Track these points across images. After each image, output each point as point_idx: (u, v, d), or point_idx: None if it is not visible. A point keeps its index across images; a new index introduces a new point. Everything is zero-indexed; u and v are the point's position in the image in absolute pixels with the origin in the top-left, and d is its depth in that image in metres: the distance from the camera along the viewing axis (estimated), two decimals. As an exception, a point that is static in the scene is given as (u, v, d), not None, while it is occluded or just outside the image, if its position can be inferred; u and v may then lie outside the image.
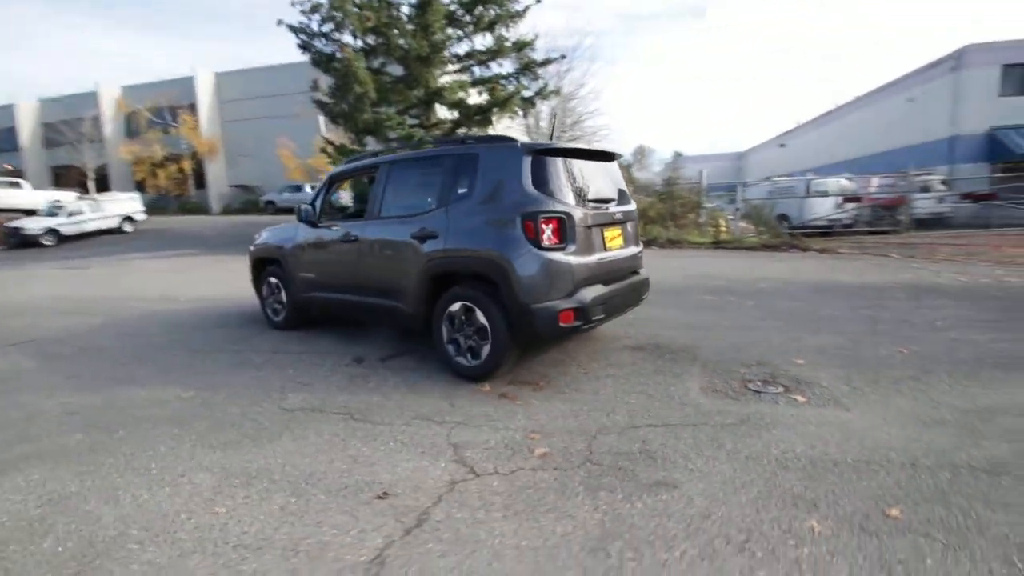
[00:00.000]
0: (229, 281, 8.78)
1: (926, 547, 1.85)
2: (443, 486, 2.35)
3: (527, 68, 18.10)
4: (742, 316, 5.41)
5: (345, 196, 9.85)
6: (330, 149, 17.93)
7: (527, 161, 3.55)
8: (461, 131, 18.50)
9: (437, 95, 17.45)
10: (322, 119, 30.93)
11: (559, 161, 3.64)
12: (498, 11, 17.45)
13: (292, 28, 17.09)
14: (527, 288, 3.40)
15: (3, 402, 3.62)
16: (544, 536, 1.98)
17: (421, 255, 3.88)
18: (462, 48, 18.21)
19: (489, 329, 3.59)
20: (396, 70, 18.22)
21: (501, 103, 16.73)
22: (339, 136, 18.49)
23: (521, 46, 17.94)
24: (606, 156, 4.22)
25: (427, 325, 3.98)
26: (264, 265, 5.51)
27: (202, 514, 2.16)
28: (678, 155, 57.23)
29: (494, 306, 3.55)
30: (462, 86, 17.55)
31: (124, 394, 3.67)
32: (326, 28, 17.37)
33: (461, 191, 3.78)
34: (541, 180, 3.54)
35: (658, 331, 4.82)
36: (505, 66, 18.61)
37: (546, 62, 18.12)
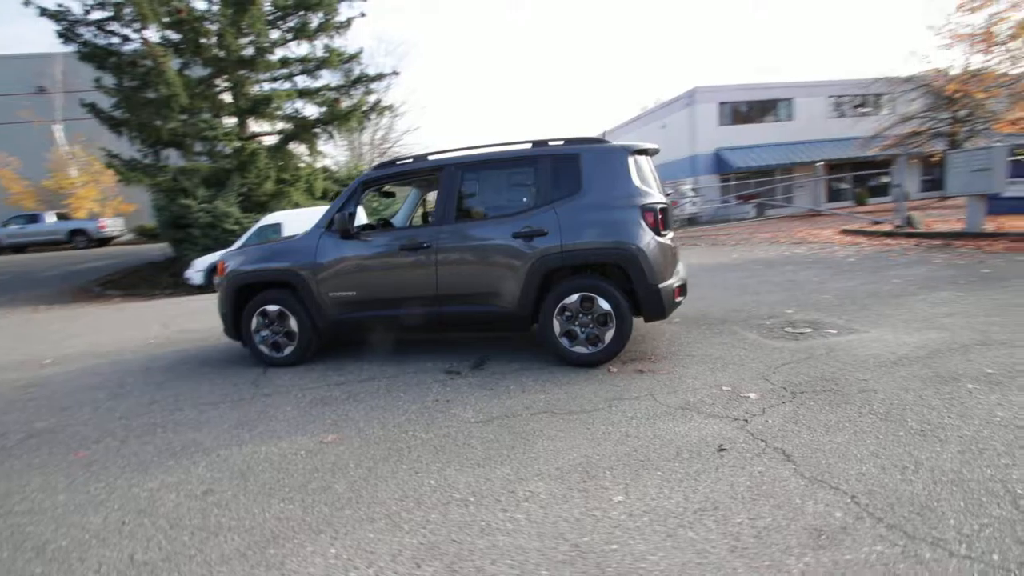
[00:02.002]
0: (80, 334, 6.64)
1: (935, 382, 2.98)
2: (735, 429, 2.65)
3: (359, 81, 17.54)
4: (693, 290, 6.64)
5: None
6: (117, 164, 14.41)
7: (632, 160, 3.97)
8: (292, 145, 16.92)
9: (262, 104, 15.63)
10: (59, 129, 24.30)
11: (644, 159, 4.14)
12: (323, 19, 16.55)
13: (48, 12, 13.31)
14: (655, 271, 3.82)
15: None
16: (832, 426, 2.51)
17: (527, 253, 3.93)
18: (285, 54, 16.68)
19: (613, 314, 3.87)
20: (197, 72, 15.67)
21: (342, 117, 15.87)
22: (113, 146, 14.96)
23: (349, 57, 17.33)
24: (654, 152, 4.80)
25: (528, 324, 4.05)
26: (251, 293, 4.56)
27: (606, 507, 2.06)
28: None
29: (618, 292, 3.86)
30: (289, 95, 16.08)
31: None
32: (98, 16, 14.00)
33: (566, 189, 3.97)
34: (642, 176, 4.00)
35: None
36: (330, 77, 17.68)
37: (379, 76, 17.83)
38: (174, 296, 12.64)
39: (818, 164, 21.90)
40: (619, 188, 3.92)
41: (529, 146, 4.17)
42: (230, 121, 16.08)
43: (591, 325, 3.92)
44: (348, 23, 17.18)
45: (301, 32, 16.34)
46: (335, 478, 2.48)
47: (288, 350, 4.53)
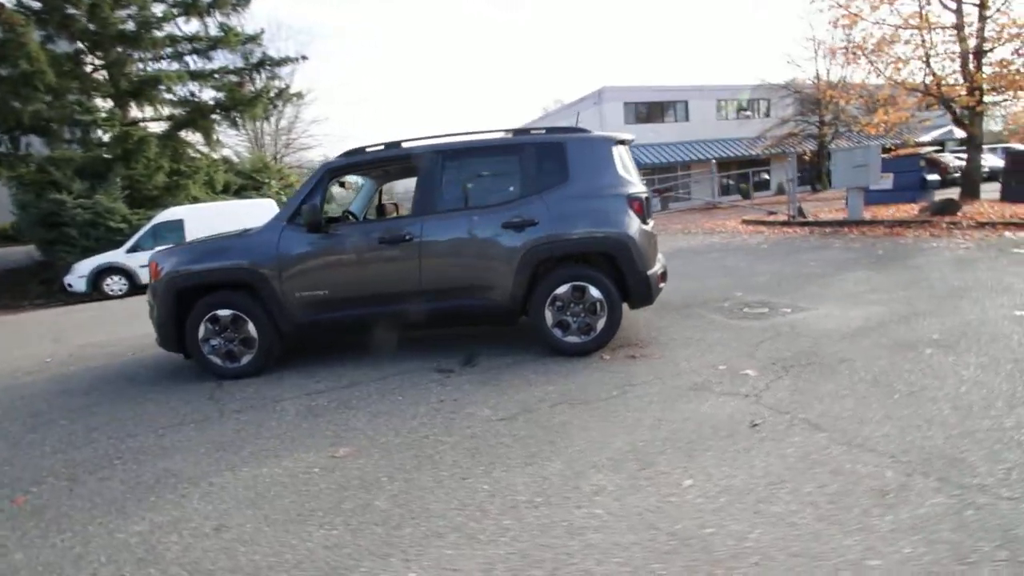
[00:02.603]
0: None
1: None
2: (751, 404, 2.78)
3: (262, 65, 16.18)
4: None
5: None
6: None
7: (617, 150, 4.00)
8: (183, 133, 15.17)
9: (148, 86, 13.85)
10: None
11: (624, 149, 4.20)
12: (216, -7, 15.02)
13: None
14: (644, 258, 3.90)
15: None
16: (836, 395, 2.74)
17: (517, 244, 3.83)
18: (172, 32, 14.90)
19: (605, 302, 3.90)
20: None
21: (247, 103, 14.51)
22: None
23: (248, 38, 15.93)
24: (630, 143, 4.86)
25: (517, 316, 3.97)
26: (197, 296, 3.99)
27: (680, 492, 2.04)
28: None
29: (608, 280, 3.89)
30: (180, 77, 14.40)
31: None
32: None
33: (552, 178, 3.91)
34: (624, 166, 4.06)
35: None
36: (226, 59, 16.13)
37: (285, 60, 16.58)
38: (48, 307, 10.82)
39: (712, 161, 23.90)
40: (605, 178, 3.94)
41: (508, 135, 4.06)
42: (105, 104, 14.06)
43: (582, 314, 3.92)
44: (245, 1, 15.73)
45: (192, 7, 14.69)
46: (371, 494, 2.23)
47: (246, 359, 4.02)
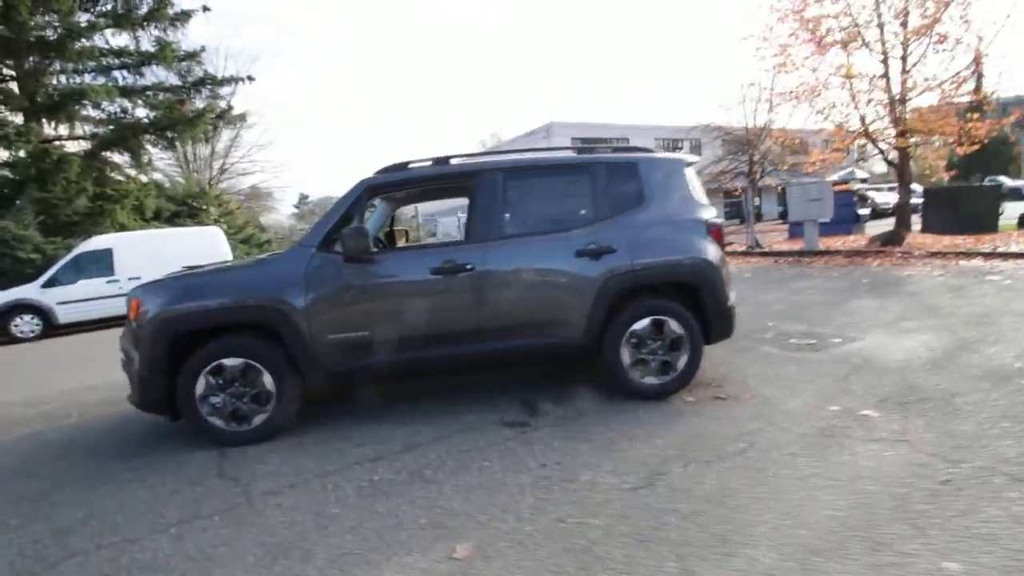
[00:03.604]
0: None
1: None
2: (911, 452, 2.44)
3: (202, 83, 15.01)
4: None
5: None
6: None
7: (690, 172, 3.68)
8: (110, 153, 13.57)
9: (71, 100, 12.30)
10: None
11: (693, 171, 3.89)
12: (152, 5, 13.87)
13: None
14: (726, 289, 3.56)
15: None
16: (988, 436, 2.49)
17: (594, 274, 3.36)
18: (98, 44, 13.49)
19: (687, 338, 3.50)
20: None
21: (186, 123, 13.22)
22: None
23: (188, 55, 14.77)
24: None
25: (591, 355, 3.48)
26: (195, 342, 3.16)
27: None
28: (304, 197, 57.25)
29: (690, 313, 3.50)
30: (108, 92, 12.93)
31: None
32: None
33: (627, 201, 3.52)
34: (697, 189, 3.74)
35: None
36: (159, 76, 14.84)
37: (230, 80, 15.50)
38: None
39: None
40: (683, 201, 3.60)
41: (573, 153, 3.65)
42: (15, 119, 12.30)
43: (660, 352, 3.49)
44: (186, 16, 14.65)
45: (124, 19, 13.39)
46: (549, 619, 1.61)
47: (259, 420, 3.21)
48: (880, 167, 24.23)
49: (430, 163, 3.55)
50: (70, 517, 2.49)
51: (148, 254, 10.03)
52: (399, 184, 3.59)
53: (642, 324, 3.45)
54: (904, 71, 13.40)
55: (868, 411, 3.04)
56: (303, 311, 3.16)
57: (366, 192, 3.41)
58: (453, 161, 3.58)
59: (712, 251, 3.52)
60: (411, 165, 3.55)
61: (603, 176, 3.54)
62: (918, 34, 12.99)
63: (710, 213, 3.67)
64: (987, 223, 12.26)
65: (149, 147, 13.73)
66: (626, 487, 2.37)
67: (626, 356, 3.45)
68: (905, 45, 13.26)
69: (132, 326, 3.23)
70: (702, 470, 2.49)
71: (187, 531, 2.28)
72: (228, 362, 3.15)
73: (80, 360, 7.20)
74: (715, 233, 3.58)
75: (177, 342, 3.13)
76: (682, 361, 3.51)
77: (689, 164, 3.80)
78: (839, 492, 2.21)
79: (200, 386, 3.14)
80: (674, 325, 3.48)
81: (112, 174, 14.07)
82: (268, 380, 3.19)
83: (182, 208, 14.72)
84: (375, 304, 3.25)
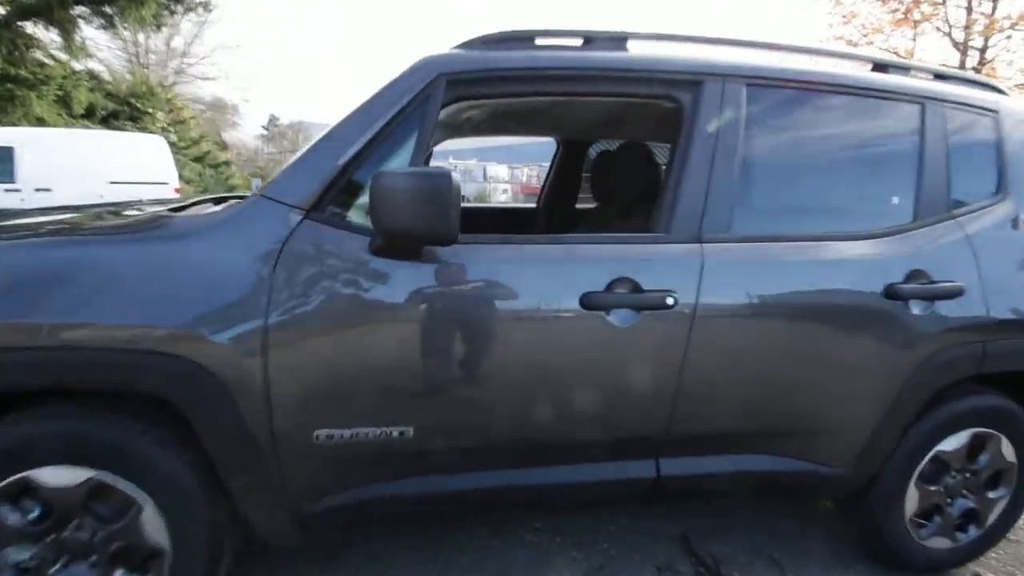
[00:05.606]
0: None
1: None
2: None
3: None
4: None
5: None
6: None
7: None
8: (28, 25, 10.70)
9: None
10: None
11: None
12: None
13: None
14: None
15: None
16: None
17: (915, 335, 1.58)
18: None
19: (1016, 471, 1.81)
20: None
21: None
22: None
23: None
24: None
25: (858, 494, 1.75)
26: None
27: None
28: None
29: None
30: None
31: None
32: None
33: (972, 188, 1.71)
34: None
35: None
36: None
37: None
38: None
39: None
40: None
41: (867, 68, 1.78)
42: None
43: (970, 492, 1.80)
44: None
45: None
46: None
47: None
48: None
49: (580, 40, 1.57)
50: None
51: (64, 160, 7.70)
52: (514, 78, 1.55)
53: (956, 442, 1.72)
54: (981, 62, 12.14)
55: None
56: (252, 366, 1.24)
57: (446, 87, 1.41)
58: (631, 44, 1.60)
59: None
60: (539, 41, 1.55)
61: (940, 132, 1.68)
62: (1014, 25, 11.71)
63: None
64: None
65: (83, 24, 10.86)
66: None
67: (912, 499, 1.74)
68: (987, 36, 11.99)
69: None
70: None
71: None
72: (49, 476, 1.23)
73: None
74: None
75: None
76: (997, 510, 1.83)
77: None
78: None
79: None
80: (1006, 447, 1.77)
81: (33, 52, 11.19)
82: (149, 522, 1.29)
83: (122, 108, 12.00)
84: (444, 365, 1.36)
